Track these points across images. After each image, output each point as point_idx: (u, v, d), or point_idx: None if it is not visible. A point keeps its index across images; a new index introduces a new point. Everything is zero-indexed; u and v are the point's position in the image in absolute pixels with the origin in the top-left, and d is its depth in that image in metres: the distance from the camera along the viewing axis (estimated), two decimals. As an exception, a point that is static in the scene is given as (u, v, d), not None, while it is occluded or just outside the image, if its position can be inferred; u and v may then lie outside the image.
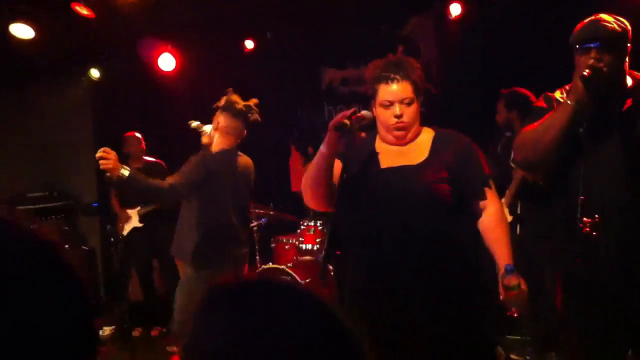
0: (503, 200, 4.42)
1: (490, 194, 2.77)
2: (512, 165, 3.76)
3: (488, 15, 6.11)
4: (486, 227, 2.76)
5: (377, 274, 2.69)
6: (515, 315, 2.65)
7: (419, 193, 2.65)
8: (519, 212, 4.58)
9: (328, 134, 2.62)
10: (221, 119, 4.01)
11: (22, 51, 6.02)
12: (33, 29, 5.50)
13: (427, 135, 2.83)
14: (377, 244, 2.68)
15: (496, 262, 2.73)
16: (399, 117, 2.73)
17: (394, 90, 2.72)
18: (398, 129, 2.76)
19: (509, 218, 4.28)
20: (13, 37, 5.54)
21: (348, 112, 2.62)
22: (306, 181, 2.83)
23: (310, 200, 2.89)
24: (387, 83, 2.73)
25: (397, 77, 2.72)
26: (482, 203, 2.76)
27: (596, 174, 2.53)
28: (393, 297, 2.65)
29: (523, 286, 2.65)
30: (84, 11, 5.29)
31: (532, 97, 4.46)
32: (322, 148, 2.68)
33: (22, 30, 5.52)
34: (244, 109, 3.99)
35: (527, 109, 3.48)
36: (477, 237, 2.78)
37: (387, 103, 2.74)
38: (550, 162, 2.67)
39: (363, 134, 2.88)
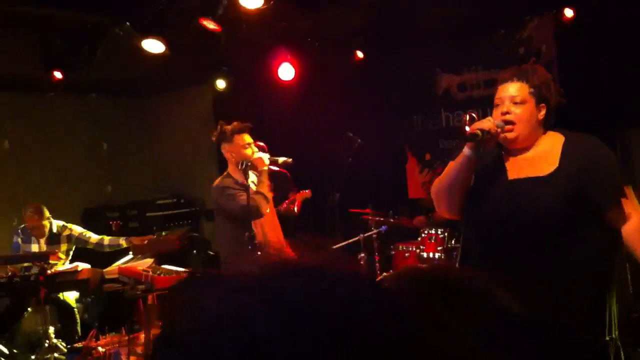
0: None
1: (629, 204, 2.59)
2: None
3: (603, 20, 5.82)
4: (629, 235, 2.57)
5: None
6: None
7: (549, 207, 2.53)
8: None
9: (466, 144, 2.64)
10: None
11: (153, 65, 6.39)
12: (164, 43, 5.80)
13: (556, 141, 2.69)
14: (505, 259, 2.57)
15: None
16: (504, 114, 2.66)
17: (507, 88, 2.69)
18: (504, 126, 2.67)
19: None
20: (145, 51, 5.87)
21: (484, 125, 2.60)
22: (440, 188, 2.80)
23: (443, 208, 2.85)
24: (503, 84, 2.71)
25: (515, 78, 2.68)
26: (620, 215, 2.58)
27: None
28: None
29: None
30: (211, 25, 5.52)
31: None
32: (460, 155, 2.66)
33: (153, 45, 5.83)
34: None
35: None
36: (611, 251, 2.63)
37: (499, 102, 2.71)
38: None
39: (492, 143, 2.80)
